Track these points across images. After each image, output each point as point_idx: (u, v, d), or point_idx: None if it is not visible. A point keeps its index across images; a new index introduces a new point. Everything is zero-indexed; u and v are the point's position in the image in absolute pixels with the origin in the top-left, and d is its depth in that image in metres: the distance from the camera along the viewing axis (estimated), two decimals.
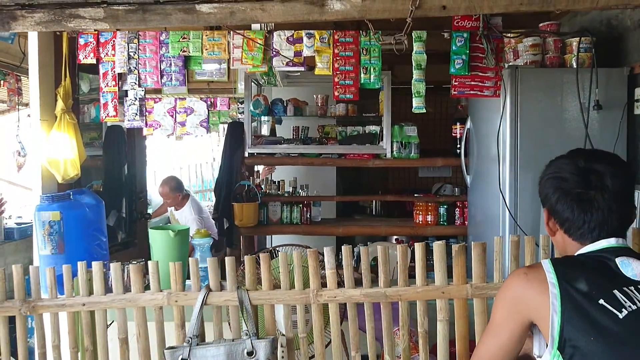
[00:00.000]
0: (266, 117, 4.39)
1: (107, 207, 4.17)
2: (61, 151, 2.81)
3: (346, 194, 5.87)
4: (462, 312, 1.94)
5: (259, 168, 4.98)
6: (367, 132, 4.12)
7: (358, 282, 1.99)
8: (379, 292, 1.96)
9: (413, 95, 2.92)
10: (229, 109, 3.43)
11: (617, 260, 1.23)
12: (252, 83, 4.12)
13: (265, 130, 4.69)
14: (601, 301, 1.18)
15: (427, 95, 2.89)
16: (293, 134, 4.41)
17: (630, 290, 1.21)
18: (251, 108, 3.92)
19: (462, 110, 4.14)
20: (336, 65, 2.88)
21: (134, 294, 1.99)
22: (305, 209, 4.07)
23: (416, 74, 2.91)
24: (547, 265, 1.27)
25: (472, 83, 2.92)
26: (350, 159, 4.03)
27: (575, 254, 1.30)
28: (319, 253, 2.03)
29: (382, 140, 3.99)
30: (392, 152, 3.95)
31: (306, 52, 2.87)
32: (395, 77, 5.59)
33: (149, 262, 2.01)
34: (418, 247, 1.95)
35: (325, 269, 1.98)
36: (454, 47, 2.85)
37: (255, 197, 3.94)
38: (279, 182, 4.26)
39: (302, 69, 2.92)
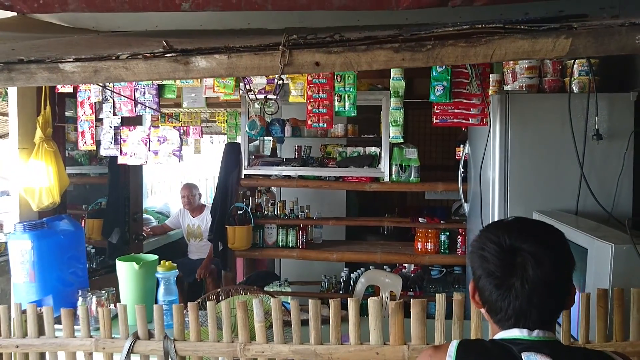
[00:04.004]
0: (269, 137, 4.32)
1: (111, 225, 4.27)
2: (37, 180, 2.85)
3: (363, 212, 5.72)
4: None
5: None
6: (367, 153, 3.96)
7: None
8: (309, 349, 1.83)
9: (390, 124, 2.76)
10: (201, 137, 3.38)
11: (523, 355, 1.09)
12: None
13: (268, 150, 4.62)
14: None
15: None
16: (295, 154, 4.31)
17: None
18: (247, 129, 3.86)
19: (466, 131, 3.90)
20: (309, 93, 2.77)
21: (64, 339, 1.96)
22: (301, 232, 3.96)
23: (393, 102, 2.76)
24: (451, 349, 1.16)
25: (456, 111, 2.74)
26: (347, 182, 3.89)
27: (490, 338, 1.18)
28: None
29: (380, 162, 3.82)
30: (390, 175, 3.77)
31: (280, 82, 2.77)
32: (415, 91, 5.42)
33: (79, 307, 1.98)
34: (351, 303, 1.80)
35: (255, 321, 1.86)
36: (434, 73, 2.67)
37: (249, 220, 3.88)
38: (278, 203, 4.17)
39: (274, 97, 2.82)
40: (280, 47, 1.24)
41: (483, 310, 1.20)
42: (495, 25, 1.12)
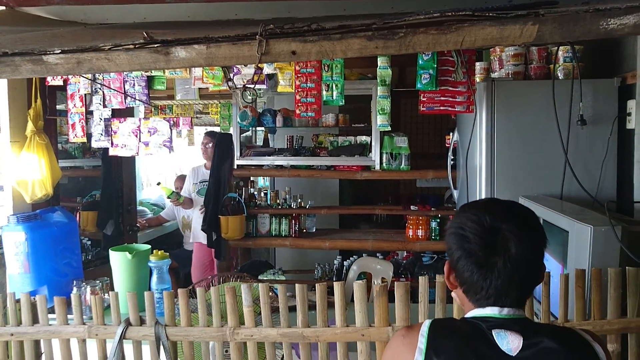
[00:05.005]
0: (260, 127, 4.35)
1: (105, 217, 4.31)
2: (30, 172, 2.88)
3: (356, 201, 5.77)
4: None
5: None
6: (358, 142, 4.00)
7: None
8: (296, 332, 1.88)
9: (377, 113, 2.80)
10: (191, 128, 3.41)
11: (494, 332, 1.12)
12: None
13: (260, 140, 4.66)
14: None
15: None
16: (287, 144, 4.35)
17: None
18: (238, 120, 3.88)
19: (455, 119, 3.93)
20: (297, 83, 2.80)
21: (58, 326, 2.01)
22: (294, 221, 4.01)
23: (380, 91, 2.79)
24: (424, 328, 1.18)
25: (442, 98, 2.77)
26: (338, 171, 3.93)
27: (462, 317, 1.21)
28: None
29: (371, 151, 3.86)
30: (381, 163, 3.81)
31: (267, 70, 2.80)
32: (407, 80, 5.44)
33: (72, 295, 2.02)
34: (337, 286, 1.85)
35: (243, 306, 1.91)
36: (420, 62, 2.70)
37: (242, 210, 3.92)
38: (271, 192, 4.21)
39: (264, 86, 2.85)
40: (257, 36, 1.27)
41: (457, 292, 1.22)
42: (465, 12, 1.16)
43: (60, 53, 1.32)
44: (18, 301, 2.06)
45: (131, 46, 1.32)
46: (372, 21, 1.22)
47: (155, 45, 1.32)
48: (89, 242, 4.22)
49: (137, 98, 2.85)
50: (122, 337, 1.94)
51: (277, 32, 1.27)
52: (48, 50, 1.32)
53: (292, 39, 1.26)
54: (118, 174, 4.06)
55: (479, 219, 1.14)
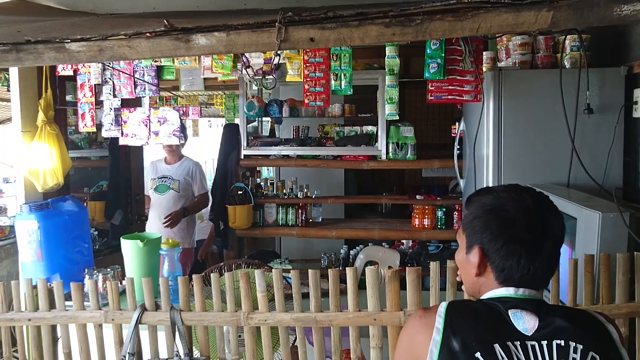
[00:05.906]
0: (267, 117, 4.37)
1: (113, 207, 4.34)
2: (41, 161, 2.91)
3: (361, 190, 5.80)
4: (396, 340, 1.86)
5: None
6: (364, 132, 4.02)
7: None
8: (309, 316, 1.91)
9: (385, 102, 2.82)
10: (200, 117, 3.44)
11: (510, 312, 1.15)
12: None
13: (267, 131, 4.68)
14: (477, 354, 1.10)
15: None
16: (293, 134, 4.37)
17: (514, 346, 1.12)
18: (245, 110, 3.91)
19: (461, 109, 3.95)
20: (306, 72, 2.82)
21: (74, 312, 2.04)
22: (300, 211, 4.04)
23: (389, 80, 2.81)
24: (441, 309, 1.20)
25: (450, 87, 2.79)
26: (345, 161, 3.95)
27: (478, 299, 1.23)
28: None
29: (377, 141, 3.88)
30: (387, 153, 3.84)
31: (276, 60, 2.81)
32: (412, 70, 5.44)
33: (87, 281, 2.06)
34: (349, 272, 1.88)
35: (257, 291, 1.94)
36: (428, 51, 2.71)
37: (249, 199, 3.95)
38: (277, 182, 4.24)
39: (272, 76, 2.87)
40: (276, 24, 1.29)
41: (482, 278, 1.21)
42: None
43: (82, 41, 1.34)
44: (34, 287, 2.10)
45: (152, 34, 1.34)
46: (389, 8, 1.25)
47: (176, 33, 1.34)
48: (95, 232, 4.25)
49: (148, 83, 2.86)
50: (138, 321, 1.97)
51: (295, 19, 1.29)
52: (70, 38, 1.34)
53: (311, 26, 1.28)
54: (126, 163, 4.09)
55: (521, 200, 1.14)
